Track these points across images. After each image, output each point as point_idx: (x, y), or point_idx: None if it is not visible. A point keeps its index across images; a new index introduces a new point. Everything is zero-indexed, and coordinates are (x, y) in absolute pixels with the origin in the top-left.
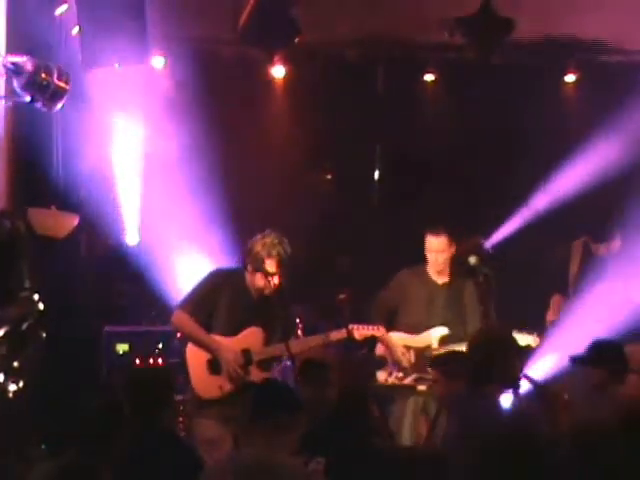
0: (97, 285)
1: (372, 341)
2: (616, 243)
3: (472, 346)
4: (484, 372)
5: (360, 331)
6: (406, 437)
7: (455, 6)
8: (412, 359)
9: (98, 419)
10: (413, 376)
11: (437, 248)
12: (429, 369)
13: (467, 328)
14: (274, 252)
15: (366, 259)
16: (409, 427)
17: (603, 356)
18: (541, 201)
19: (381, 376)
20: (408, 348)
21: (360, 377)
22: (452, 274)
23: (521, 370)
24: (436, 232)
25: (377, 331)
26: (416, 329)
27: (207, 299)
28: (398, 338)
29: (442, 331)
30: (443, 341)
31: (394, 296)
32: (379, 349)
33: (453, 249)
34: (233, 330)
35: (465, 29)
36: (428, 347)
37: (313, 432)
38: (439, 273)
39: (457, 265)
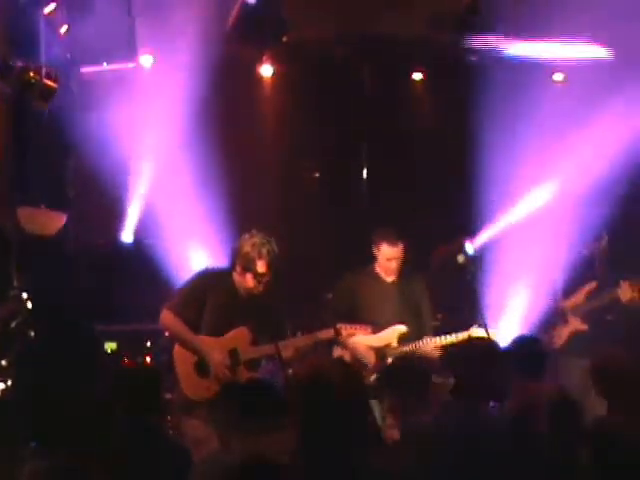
0: (85, 283)
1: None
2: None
3: (455, 358)
4: (465, 385)
5: (347, 330)
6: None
7: (442, 4)
8: (372, 359)
9: (88, 418)
10: (374, 376)
11: (394, 256)
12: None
13: (423, 324)
14: (264, 251)
15: (353, 258)
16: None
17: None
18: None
19: None
20: (369, 348)
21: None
22: (400, 272)
23: (506, 382)
24: (393, 242)
25: (364, 330)
26: (373, 329)
27: (194, 300)
28: (359, 338)
29: (400, 329)
30: (402, 339)
31: (344, 300)
32: (336, 351)
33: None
34: (220, 331)
35: (453, 27)
36: (388, 345)
37: None
38: (388, 273)
39: (444, 264)
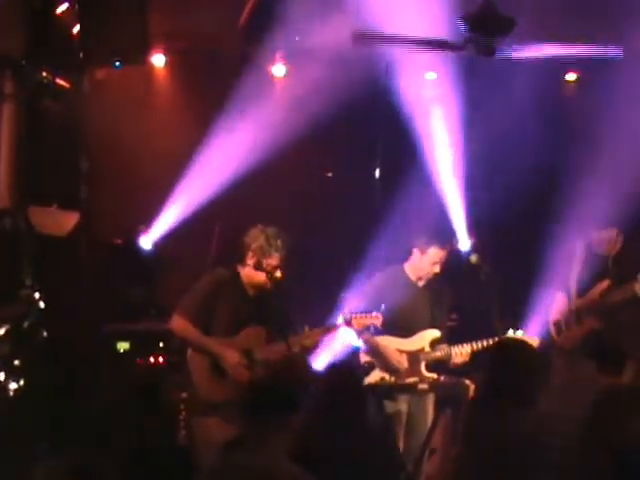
0: (98, 283)
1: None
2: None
3: (491, 360)
4: (497, 388)
5: (358, 320)
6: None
7: (457, 3)
8: (405, 363)
9: (100, 418)
10: (410, 380)
11: (442, 260)
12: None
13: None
14: (279, 244)
15: (367, 257)
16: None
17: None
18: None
19: (373, 380)
20: (400, 352)
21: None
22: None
23: (540, 387)
24: (444, 245)
25: (375, 319)
26: (403, 332)
27: (205, 303)
28: (389, 342)
29: (434, 333)
30: (434, 343)
31: (377, 300)
32: (363, 356)
33: None
34: (233, 331)
35: (467, 27)
36: (421, 350)
37: None
38: (425, 278)
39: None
